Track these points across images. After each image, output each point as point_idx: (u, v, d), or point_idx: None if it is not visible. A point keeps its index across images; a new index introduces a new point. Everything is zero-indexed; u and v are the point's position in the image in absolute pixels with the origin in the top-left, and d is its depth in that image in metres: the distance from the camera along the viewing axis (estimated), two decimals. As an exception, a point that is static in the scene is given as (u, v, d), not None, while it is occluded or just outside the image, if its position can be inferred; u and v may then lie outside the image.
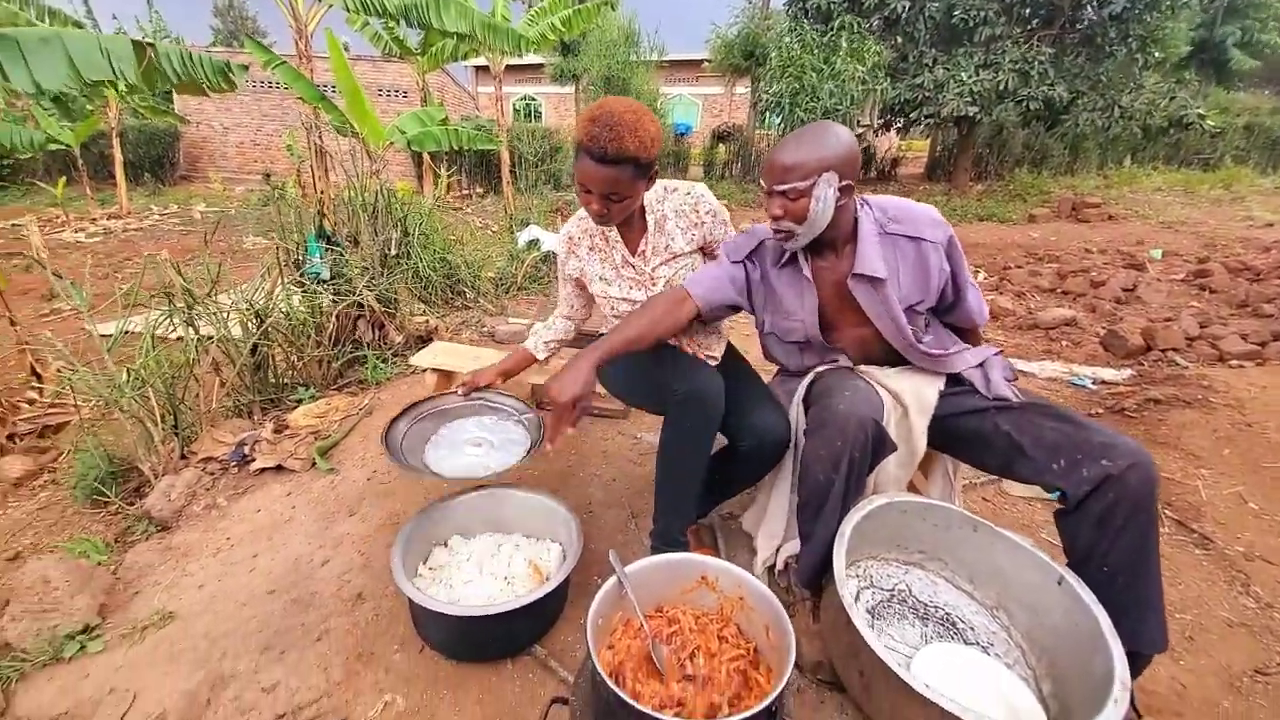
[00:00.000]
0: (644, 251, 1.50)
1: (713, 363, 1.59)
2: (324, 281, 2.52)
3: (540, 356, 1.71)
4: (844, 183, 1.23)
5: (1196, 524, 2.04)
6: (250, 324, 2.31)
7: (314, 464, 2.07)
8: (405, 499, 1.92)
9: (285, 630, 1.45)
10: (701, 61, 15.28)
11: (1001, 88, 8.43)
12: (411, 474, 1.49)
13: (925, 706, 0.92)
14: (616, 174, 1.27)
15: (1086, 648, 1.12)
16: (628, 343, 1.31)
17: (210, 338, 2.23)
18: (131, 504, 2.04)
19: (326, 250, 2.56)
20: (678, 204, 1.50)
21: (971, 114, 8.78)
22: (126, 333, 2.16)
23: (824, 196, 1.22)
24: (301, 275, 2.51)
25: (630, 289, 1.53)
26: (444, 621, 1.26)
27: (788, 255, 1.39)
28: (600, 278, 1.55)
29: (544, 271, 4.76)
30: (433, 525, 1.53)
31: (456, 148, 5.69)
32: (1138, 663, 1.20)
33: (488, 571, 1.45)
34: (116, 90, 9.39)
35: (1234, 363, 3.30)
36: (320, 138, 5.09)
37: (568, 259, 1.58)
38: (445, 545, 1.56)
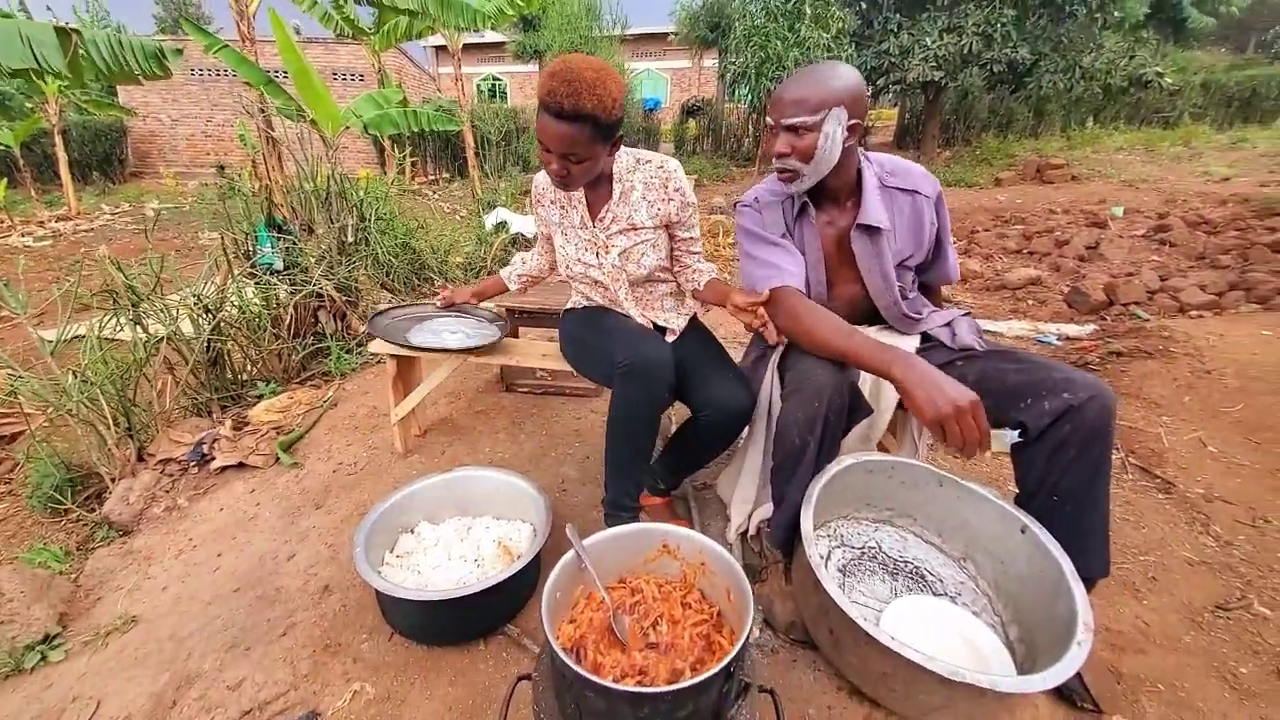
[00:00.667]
0: (603, 218, 1.46)
1: (671, 336, 1.56)
2: (278, 272, 2.42)
3: (511, 287, 1.80)
4: (852, 121, 1.21)
5: (1159, 469, 2.10)
6: (200, 320, 2.21)
7: (277, 459, 2.01)
8: (373, 490, 1.88)
9: (251, 627, 1.41)
10: (667, 35, 15.01)
11: (966, 51, 8.43)
12: (396, 348, 1.56)
13: (891, 658, 0.93)
14: (574, 132, 1.23)
15: (1049, 592, 1.15)
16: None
17: (159, 337, 2.14)
18: (91, 510, 1.97)
19: (278, 239, 2.45)
20: (647, 176, 1.46)
21: (937, 79, 8.78)
22: (76, 337, 2.07)
23: (832, 133, 1.19)
24: (253, 266, 2.41)
25: (584, 250, 1.51)
26: (409, 607, 1.24)
27: (798, 208, 1.37)
28: (560, 231, 1.56)
29: (514, 254, 4.67)
30: (399, 513, 1.50)
31: (417, 131, 5.51)
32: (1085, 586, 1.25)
33: (456, 555, 1.42)
34: (47, 82, 8.92)
35: (1193, 313, 3.39)
36: (269, 124, 4.88)
37: (537, 206, 1.59)
38: (412, 532, 1.53)
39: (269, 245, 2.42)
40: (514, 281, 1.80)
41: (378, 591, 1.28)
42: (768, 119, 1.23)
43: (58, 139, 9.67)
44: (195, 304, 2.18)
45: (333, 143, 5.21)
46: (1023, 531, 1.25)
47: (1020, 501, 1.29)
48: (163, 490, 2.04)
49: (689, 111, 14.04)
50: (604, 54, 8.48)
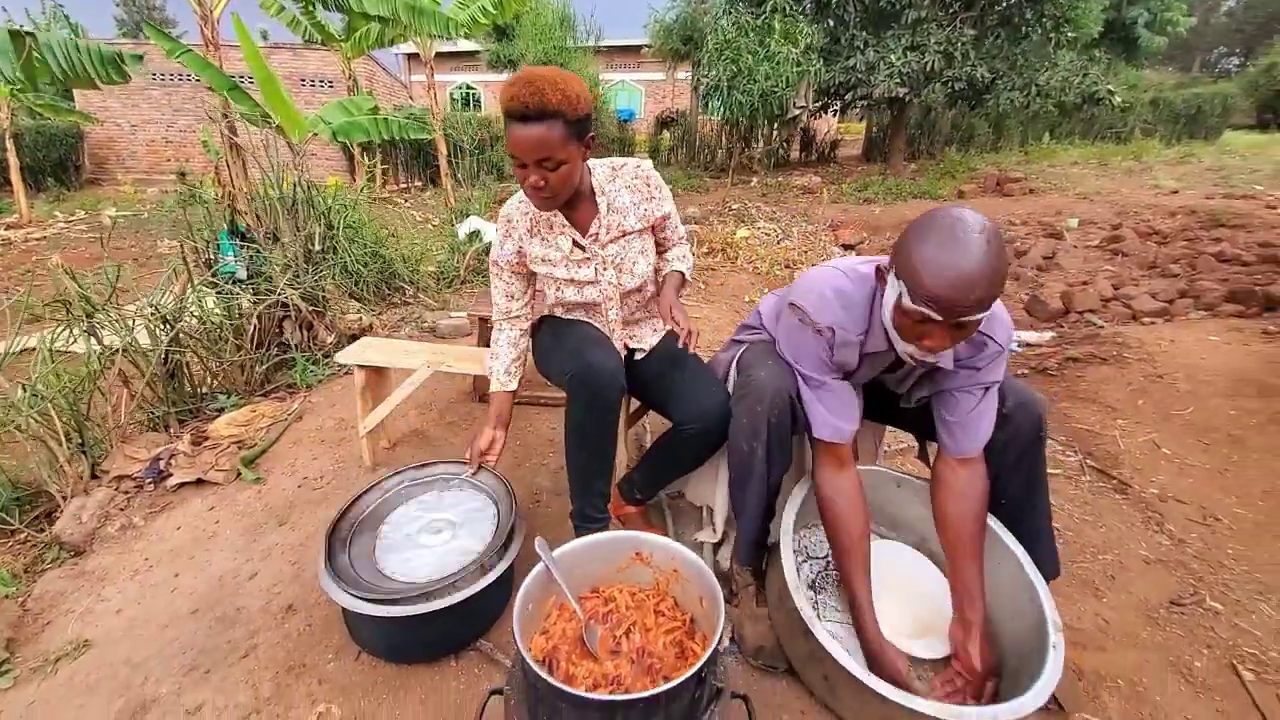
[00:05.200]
0: (596, 234, 1.40)
1: (640, 354, 1.53)
2: (240, 281, 2.36)
3: (513, 387, 1.56)
4: None
5: (1115, 471, 2.18)
6: (158, 331, 2.13)
7: (238, 475, 1.94)
8: (340, 504, 1.83)
9: (210, 649, 1.36)
10: (641, 47, 15.18)
11: (928, 69, 8.72)
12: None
13: (894, 706, 0.95)
14: (545, 132, 1.17)
15: (1010, 584, 1.20)
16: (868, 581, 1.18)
17: (114, 349, 2.06)
18: (41, 530, 1.88)
19: (241, 248, 2.39)
20: (628, 180, 1.43)
21: (902, 95, 9.05)
22: (26, 350, 1.98)
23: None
24: (214, 275, 2.34)
25: (577, 269, 1.43)
26: (376, 624, 1.20)
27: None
28: (543, 259, 1.44)
29: (486, 263, 4.63)
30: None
31: (387, 138, 5.45)
32: None
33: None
34: None
35: (1146, 320, 3.53)
36: (233, 130, 4.77)
37: (504, 242, 1.45)
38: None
39: (231, 254, 2.36)
40: (510, 381, 1.55)
41: (344, 609, 1.24)
42: (928, 310, 0.95)
43: (9, 144, 9.28)
44: (152, 314, 2.10)
45: (299, 149, 5.12)
46: None
47: None
48: (117, 508, 1.95)
49: (663, 123, 14.19)
50: (578, 65, 8.53)
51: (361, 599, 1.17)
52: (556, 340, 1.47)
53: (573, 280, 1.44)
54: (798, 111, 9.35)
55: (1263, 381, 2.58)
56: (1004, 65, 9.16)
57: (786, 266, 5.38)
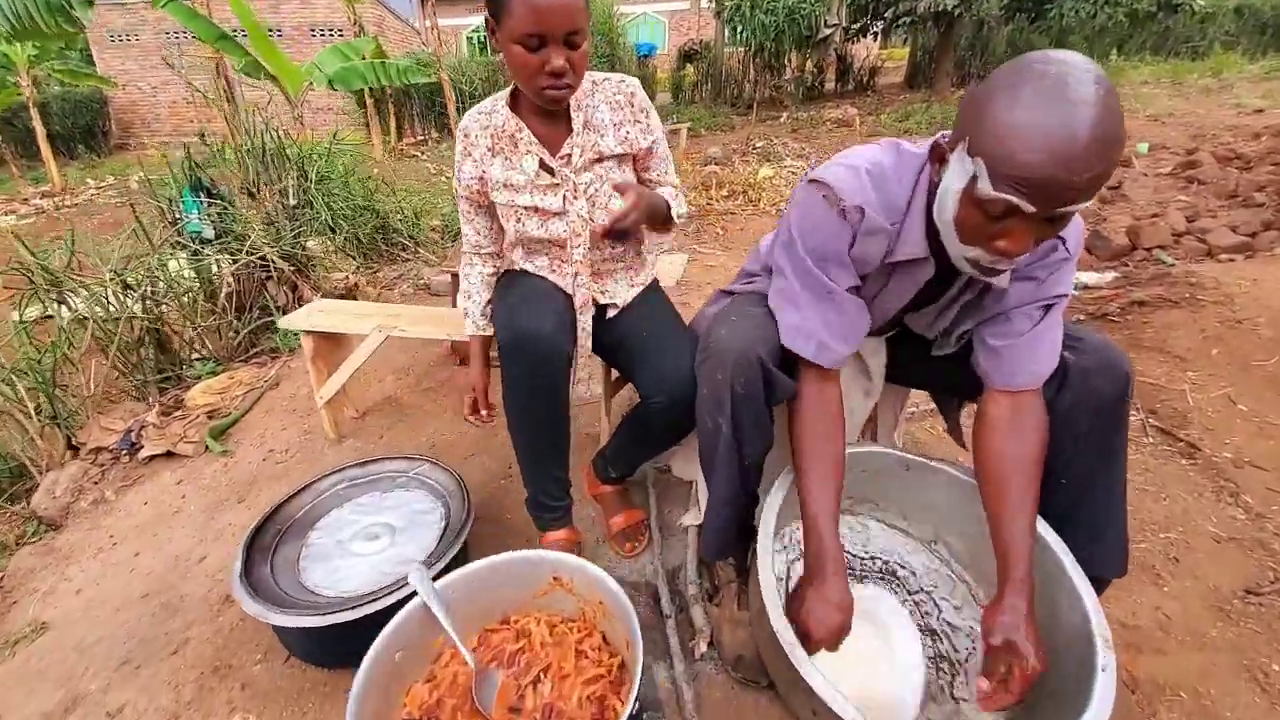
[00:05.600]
0: (568, 155, 1.17)
1: (612, 310, 1.31)
2: (209, 241, 2.21)
3: (490, 332, 1.32)
4: None
5: (1183, 431, 1.89)
6: (122, 298, 2.02)
7: (207, 447, 1.85)
8: (300, 481, 1.68)
9: (149, 639, 1.27)
10: (662, -25, 14.15)
11: (981, -23, 7.79)
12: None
13: None
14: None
15: (1043, 585, 0.95)
16: (833, 499, 0.96)
17: (78, 317, 1.95)
18: (23, 505, 1.84)
19: (206, 205, 2.23)
20: (609, 94, 1.20)
21: (950, 8, 8.13)
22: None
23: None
24: (180, 235, 2.20)
25: (544, 195, 1.19)
26: (296, 634, 1.08)
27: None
28: (505, 184, 1.20)
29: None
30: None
31: (387, 84, 5.18)
32: (1095, 588, 1.02)
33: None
34: (17, 51, 8.56)
35: (1223, 256, 3.09)
36: (228, 84, 4.59)
37: (462, 164, 1.21)
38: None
39: (195, 212, 2.20)
40: (486, 325, 1.33)
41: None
42: (1016, 198, 0.69)
43: (34, 112, 9.36)
44: (112, 279, 1.98)
45: (297, 101, 4.92)
46: None
47: None
48: (91, 482, 1.89)
49: (687, 57, 13.30)
50: (591, -5, 7.94)
51: (273, 611, 1.03)
52: (500, 300, 1.25)
53: (536, 209, 1.19)
54: (829, 31, 8.44)
55: (1367, 325, 2.20)
56: (1068, -31, 8.12)
57: (813, 208, 4.98)
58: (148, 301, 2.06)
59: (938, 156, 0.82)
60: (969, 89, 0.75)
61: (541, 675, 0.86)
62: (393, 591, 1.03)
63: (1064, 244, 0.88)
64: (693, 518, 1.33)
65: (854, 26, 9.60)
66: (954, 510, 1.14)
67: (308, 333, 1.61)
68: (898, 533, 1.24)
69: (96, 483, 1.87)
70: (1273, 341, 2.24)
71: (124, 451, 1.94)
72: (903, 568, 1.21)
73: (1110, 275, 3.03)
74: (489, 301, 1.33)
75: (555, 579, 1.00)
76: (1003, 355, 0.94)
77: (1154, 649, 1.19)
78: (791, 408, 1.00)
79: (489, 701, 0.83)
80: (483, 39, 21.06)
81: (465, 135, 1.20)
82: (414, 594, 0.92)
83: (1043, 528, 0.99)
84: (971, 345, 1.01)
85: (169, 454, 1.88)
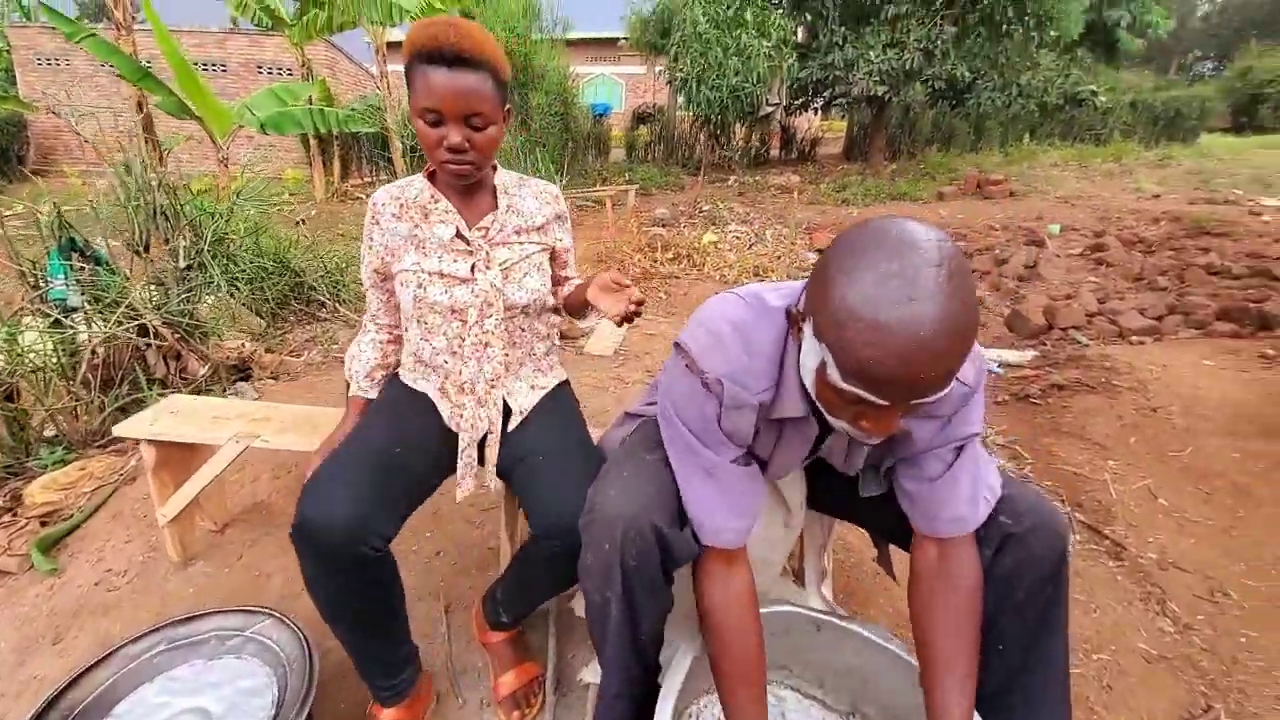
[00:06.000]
0: (485, 228, 1.12)
1: (517, 419, 1.16)
2: (74, 310, 1.93)
3: (373, 395, 1.23)
4: None
5: (1108, 528, 1.88)
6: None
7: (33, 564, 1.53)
8: (130, 617, 1.42)
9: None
10: (618, 40, 14.77)
11: (908, 67, 8.46)
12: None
13: None
14: (477, 82, 0.96)
15: None
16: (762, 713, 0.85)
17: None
18: None
19: (75, 268, 1.96)
20: (537, 190, 1.20)
21: (881, 93, 8.77)
22: None
23: None
24: (43, 302, 1.91)
25: (453, 261, 1.09)
26: None
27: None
28: (413, 242, 1.10)
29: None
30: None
31: (323, 130, 5.03)
32: None
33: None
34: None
35: (1134, 338, 3.27)
36: (149, 122, 4.32)
37: (370, 231, 1.14)
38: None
39: (62, 276, 1.94)
40: (372, 388, 1.23)
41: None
42: (864, 393, 0.64)
43: (-68, 133, 8.65)
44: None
45: (223, 144, 4.68)
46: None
47: None
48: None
49: (640, 118, 13.78)
50: (544, 56, 8.11)
51: None
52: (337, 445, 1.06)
53: (442, 274, 1.09)
54: (770, 109, 9.00)
55: (1266, 418, 2.31)
56: (985, 64, 8.95)
57: (756, 274, 5.04)
58: (-12, 376, 1.76)
59: (793, 323, 0.76)
60: (820, 259, 0.69)
61: None
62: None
63: (961, 381, 0.81)
64: (592, 673, 1.15)
65: (794, 104, 10.22)
66: (871, 676, 1.02)
67: (149, 442, 1.35)
68: (814, 704, 1.09)
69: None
70: (1186, 432, 2.32)
71: (-68, 559, 1.61)
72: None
73: (1030, 354, 3.13)
74: (377, 366, 1.25)
75: None
76: (918, 500, 0.87)
77: (1095, 807, 1.09)
78: (700, 605, 0.88)
79: None
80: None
81: (373, 205, 1.14)
82: None
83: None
84: (891, 493, 0.93)
85: (-10, 565, 1.56)
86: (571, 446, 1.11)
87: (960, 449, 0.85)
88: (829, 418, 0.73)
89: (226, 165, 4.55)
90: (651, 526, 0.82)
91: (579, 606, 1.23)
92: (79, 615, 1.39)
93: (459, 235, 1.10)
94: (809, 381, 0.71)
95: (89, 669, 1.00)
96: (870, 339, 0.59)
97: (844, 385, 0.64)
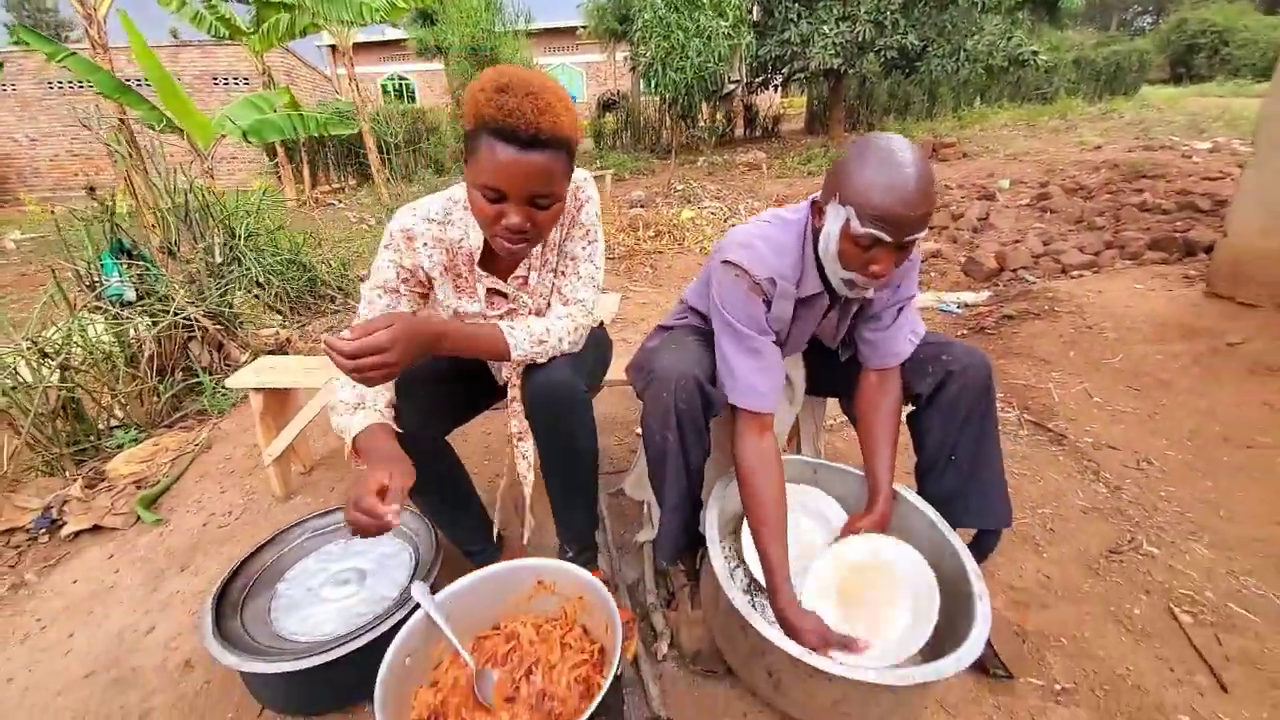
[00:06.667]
0: (524, 276, 1.12)
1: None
2: (130, 304, 2.14)
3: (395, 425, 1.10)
4: None
5: (1051, 423, 2.21)
6: (39, 367, 1.92)
7: (138, 518, 1.77)
8: (249, 541, 1.68)
9: (105, 716, 1.22)
10: (576, 29, 14.83)
11: (860, 39, 8.77)
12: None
13: (842, 684, 0.92)
14: (549, 163, 0.89)
15: (927, 545, 1.18)
16: (784, 548, 1.10)
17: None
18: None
19: (128, 267, 2.16)
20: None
21: (837, 66, 9.09)
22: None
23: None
24: (99, 299, 2.11)
25: (489, 307, 1.15)
26: (269, 680, 1.09)
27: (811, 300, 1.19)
28: (451, 285, 1.13)
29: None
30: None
31: (307, 136, 5.14)
32: (989, 540, 1.33)
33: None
34: None
35: (1075, 273, 3.63)
36: (131, 138, 4.41)
37: (401, 254, 1.06)
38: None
39: (116, 274, 2.14)
40: (390, 414, 1.09)
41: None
42: (878, 231, 0.94)
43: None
44: (30, 349, 1.88)
45: (207, 153, 4.78)
46: (894, 497, 1.28)
47: (921, 468, 1.33)
48: (6, 566, 1.76)
49: (605, 105, 13.92)
50: (509, 49, 8.23)
51: (256, 659, 1.05)
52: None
53: (478, 315, 1.15)
54: (732, 87, 9.26)
55: (1185, 324, 2.67)
56: (933, 32, 9.30)
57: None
58: (67, 370, 1.96)
59: (817, 210, 1.08)
60: (835, 161, 1.05)
61: (533, 668, 0.96)
62: (381, 623, 1.09)
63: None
64: (646, 534, 1.45)
65: (755, 81, 10.50)
66: (850, 499, 1.37)
67: (257, 390, 1.61)
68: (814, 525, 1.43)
69: (13, 566, 1.74)
70: (1117, 342, 2.68)
71: (42, 530, 1.82)
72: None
73: (985, 294, 3.48)
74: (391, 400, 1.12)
75: (539, 583, 1.11)
76: (875, 343, 1.24)
77: (1039, 604, 1.41)
78: (737, 467, 1.16)
79: (489, 696, 0.92)
80: (398, 86, 21.04)
81: (406, 234, 1.05)
82: (412, 611, 1.01)
83: (913, 497, 1.25)
84: (848, 371, 1.30)
85: (95, 529, 1.78)
86: (587, 348, 1.22)
87: (901, 308, 1.22)
88: (841, 272, 1.04)
89: (213, 175, 4.66)
90: (695, 379, 1.12)
91: (629, 485, 1.52)
92: (198, 548, 1.64)
93: (497, 292, 1.14)
94: (832, 244, 1.02)
95: (254, 552, 1.28)
96: (884, 191, 0.93)
97: (863, 229, 0.95)
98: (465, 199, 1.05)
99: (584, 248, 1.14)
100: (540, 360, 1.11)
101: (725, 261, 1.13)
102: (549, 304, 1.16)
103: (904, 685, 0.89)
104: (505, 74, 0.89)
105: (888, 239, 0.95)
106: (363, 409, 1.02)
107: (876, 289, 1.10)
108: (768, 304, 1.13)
